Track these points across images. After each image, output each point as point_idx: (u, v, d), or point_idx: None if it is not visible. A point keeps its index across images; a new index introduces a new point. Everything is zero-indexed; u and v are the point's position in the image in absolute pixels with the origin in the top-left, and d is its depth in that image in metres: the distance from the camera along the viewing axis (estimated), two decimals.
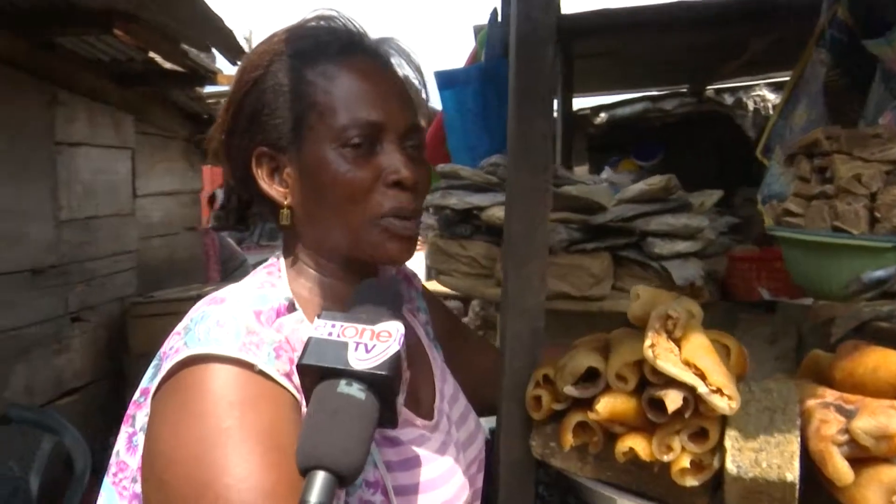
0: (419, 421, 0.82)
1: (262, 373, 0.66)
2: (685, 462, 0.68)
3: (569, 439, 0.75)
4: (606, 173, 1.73)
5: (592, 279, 1.17)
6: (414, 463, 0.77)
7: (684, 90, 4.64)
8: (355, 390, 0.58)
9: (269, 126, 0.78)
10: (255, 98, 0.79)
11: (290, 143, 0.78)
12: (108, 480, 0.73)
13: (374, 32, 0.87)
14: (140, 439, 0.69)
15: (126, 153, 3.61)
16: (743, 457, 0.66)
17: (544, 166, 0.87)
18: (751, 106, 4.41)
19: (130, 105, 3.57)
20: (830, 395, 0.72)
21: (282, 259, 0.84)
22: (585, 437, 0.76)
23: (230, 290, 0.74)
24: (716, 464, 0.68)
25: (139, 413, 0.71)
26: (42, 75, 2.81)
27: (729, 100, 4.57)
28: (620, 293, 1.24)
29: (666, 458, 0.69)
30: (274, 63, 0.79)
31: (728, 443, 0.67)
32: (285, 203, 0.80)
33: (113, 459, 0.73)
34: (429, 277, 2.71)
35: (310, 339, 0.61)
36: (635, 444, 0.71)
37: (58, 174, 2.94)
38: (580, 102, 4.90)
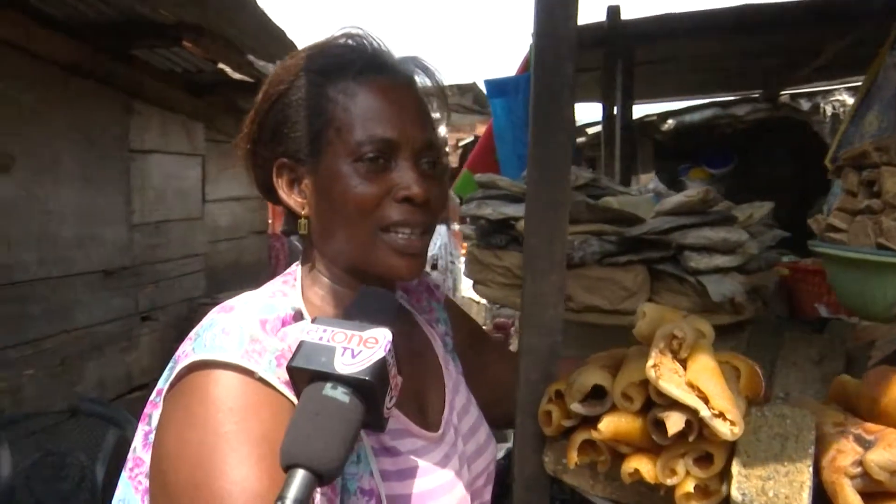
0: (422, 432, 0.83)
1: (262, 380, 0.69)
2: (689, 487, 0.66)
3: (573, 457, 0.74)
4: (654, 183, 1.69)
5: (625, 292, 1.15)
6: (411, 474, 0.78)
7: (756, 95, 4.47)
8: (339, 393, 0.60)
9: (289, 139, 0.82)
10: (278, 111, 0.83)
11: (308, 156, 0.81)
12: (125, 475, 0.78)
13: (398, 50, 0.90)
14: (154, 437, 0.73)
15: (196, 160, 3.78)
16: (750, 484, 0.64)
17: (563, 181, 0.87)
18: (829, 111, 4.21)
19: (201, 113, 3.74)
20: (853, 423, 0.68)
21: (300, 267, 0.87)
22: (594, 456, 0.75)
23: (241, 299, 0.78)
24: (724, 490, 0.66)
25: (154, 412, 0.75)
26: (118, 86, 2.99)
27: (805, 105, 4.37)
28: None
29: (669, 482, 0.67)
30: (299, 79, 0.82)
31: (735, 469, 0.65)
32: (303, 213, 0.83)
33: (130, 455, 0.78)
34: None
35: (301, 342, 0.64)
36: (640, 465, 0.70)
37: (131, 180, 3.11)
38: (645, 109, 4.79)
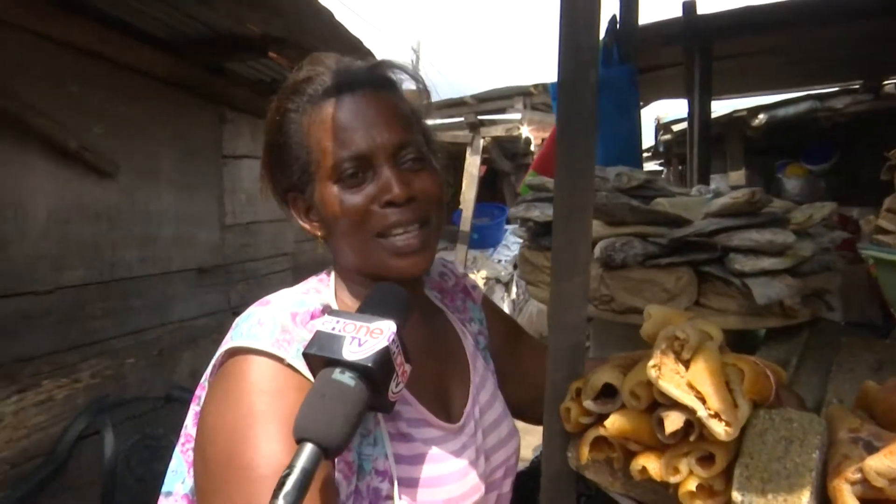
0: (439, 422, 0.88)
1: (290, 366, 0.76)
2: (691, 485, 0.68)
3: (585, 453, 0.77)
4: (715, 183, 1.63)
5: (666, 294, 1.15)
6: (424, 459, 0.83)
7: (857, 86, 4.20)
8: (347, 378, 0.67)
9: (288, 175, 0.91)
10: (275, 153, 0.92)
11: (305, 185, 0.90)
12: (177, 449, 0.88)
13: (366, 59, 0.95)
14: None
15: None
16: (750, 486, 0.65)
17: (587, 185, 0.89)
18: None
19: None
20: (867, 430, 0.67)
21: (333, 270, 0.94)
22: (608, 452, 0.77)
23: (278, 294, 0.86)
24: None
25: (202, 394, 0.84)
26: (212, 97, 3.20)
27: None
28: (705, 310, 1.20)
29: (672, 480, 0.69)
30: (282, 118, 0.91)
31: (737, 470, 0.66)
32: (318, 235, 0.92)
33: (182, 431, 0.88)
34: None
35: (316, 331, 0.71)
36: (648, 462, 0.72)
37: (223, 184, 3.32)
38: (734, 104, 4.61)
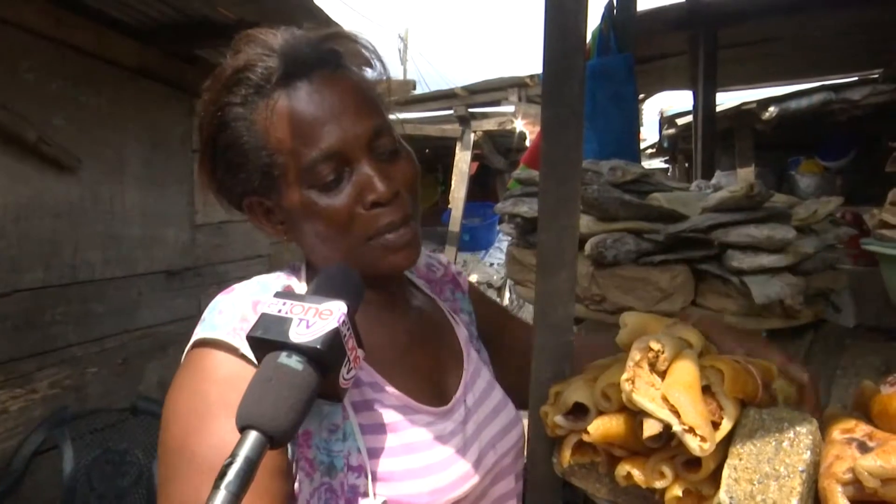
0: (422, 407, 0.89)
1: (244, 356, 0.78)
2: (678, 490, 0.69)
3: (566, 457, 0.78)
4: (717, 178, 1.66)
5: (660, 293, 1.17)
6: (404, 450, 0.84)
7: (876, 75, 4.24)
8: (294, 362, 0.68)
9: (243, 180, 0.86)
10: (221, 156, 0.87)
11: (268, 190, 0.86)
12: None
13: (313, 32, 0.87)
14: None
15: None
16: (738, 488, 0.67)
17: (573, 177, 0.91)
18: None
19: None
20: (861, 430, 0.69)
21: (304, 264, 0.95)
22: (592, 457, 0.79)
23: (245, 281, 0.88)
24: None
25: None
26: (182, 86, 3.21)
27: None
28: (703, 310, 1.22)
29: (658, 485, 0.71)
30: (224, 115, 0.84)
31: (726, 472, 0.68)
32: (285, 238, 0.90)
33: None
34: None
35: (261, 314, 0.72)
36: (633, 468, 0.73)
37: (194, 180, 3.33)
38: (743, 96, 4.65)
